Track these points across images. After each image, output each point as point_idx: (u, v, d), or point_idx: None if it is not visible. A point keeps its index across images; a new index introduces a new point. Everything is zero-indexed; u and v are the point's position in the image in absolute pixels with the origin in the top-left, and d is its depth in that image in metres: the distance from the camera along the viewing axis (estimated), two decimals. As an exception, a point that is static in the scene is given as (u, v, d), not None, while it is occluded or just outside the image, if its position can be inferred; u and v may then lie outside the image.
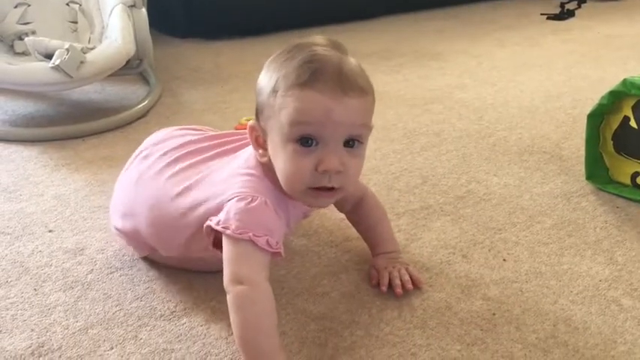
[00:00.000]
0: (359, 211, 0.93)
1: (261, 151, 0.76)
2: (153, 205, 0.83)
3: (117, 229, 0.92)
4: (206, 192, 0.78)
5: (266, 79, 0.74)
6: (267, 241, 0.71)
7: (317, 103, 0.69)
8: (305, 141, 0.70)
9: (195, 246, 0.81)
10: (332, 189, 0.73)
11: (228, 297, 0.71)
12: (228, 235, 0.72)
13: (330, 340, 0.77)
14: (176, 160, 0.85)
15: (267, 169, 0.76)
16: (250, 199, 0.73)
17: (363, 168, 0.77)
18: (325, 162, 0.70)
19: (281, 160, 0.72)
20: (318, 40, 0.74)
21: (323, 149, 0.70)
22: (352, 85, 0.70)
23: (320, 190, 0.72)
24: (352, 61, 0.73)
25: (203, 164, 0.83)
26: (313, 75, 0.69)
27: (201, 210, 0.78)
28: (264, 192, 0.75)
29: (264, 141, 0.75)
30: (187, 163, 0.84)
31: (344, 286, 0.88)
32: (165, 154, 0.87)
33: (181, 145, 0.87)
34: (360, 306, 0.84)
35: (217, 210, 0.75)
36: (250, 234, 0.71)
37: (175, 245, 0.83)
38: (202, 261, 0.85)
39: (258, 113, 0.76)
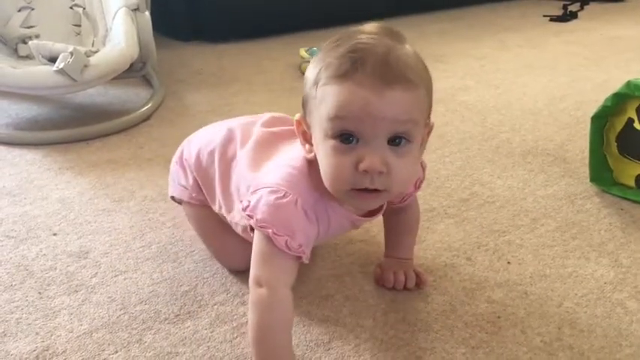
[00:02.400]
0: (397, 216, 0.89)
1: (307, 146, 0.72)
2: (233, 164, 0.84)
3: (183, 158, 0.91)
4: (262, 171, 0.77)
5: (310, 70, 0.70)
6: (286, 243, 0.69)
7: (355, 95, 0.64)
8: (345, 137, 0.65)
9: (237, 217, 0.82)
10: (376, 191, 0.67)
11: (250, 296, 0.71)
12: (253, 224, 0.71)
13: (335, 343, 0.77)
14: (266, 134, 0.84)
15: (312, 166, 0.72)
16: (283, 194, 0.71)
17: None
18: (365, 161, 0.65)
19: (322, 157, 0.68)
20: (368, 27, 0.69)
21: (364, 147, 0.65)
22: (397, 77, 0.64)
23: (363, 192, 0.67)
24: (406, 50, 0.67)
25: (276, 147, 0.82)
26: (354, 65, 0.64)
27: (247, 184, 0.78)
28: (301, 190, 0.72)
29: (311, 136, 0.71)
30: (270, 143, 0.83)
31: (348, 289, 0.88)
32: (262, 128, 0.86)
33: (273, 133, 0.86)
34: (364, 309, 0.84)
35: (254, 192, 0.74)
36: (271, 230, 0.69)
37: (228, 205, 0.84)
38: (233, 238, 0.86)
39: (303, 106, 0.72)
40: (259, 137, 0.84)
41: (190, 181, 0.91)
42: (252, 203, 0.72)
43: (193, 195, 0.92)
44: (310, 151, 0.72)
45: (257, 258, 0.72)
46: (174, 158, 0.95)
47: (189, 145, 0.93)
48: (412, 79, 0.65)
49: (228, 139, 0.86)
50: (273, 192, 0.71)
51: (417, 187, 0.83)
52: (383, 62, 0.64)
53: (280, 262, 0.71)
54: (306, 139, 0.73)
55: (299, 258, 0.71)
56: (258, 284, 0.70)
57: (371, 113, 0.64)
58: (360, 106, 0.64)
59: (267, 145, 0.82)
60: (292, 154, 0.76)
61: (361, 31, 0.68)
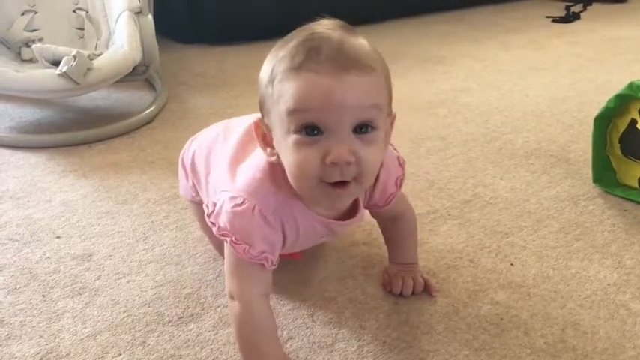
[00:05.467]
0: (393, 225, 0.88)
1: (269, 149, 0.69)
2: (213, 165, 0.82)
3: (183, 160, 0.91)
4: (237, 173, 0.75)
5: (264, 67, 0.66)
6: (245, 250, 0.68)
7: (314, 85, 0.60)
8: (309, 130, 0.61)
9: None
10: (346, 183, 0.64)
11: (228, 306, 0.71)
12: (215, 232, 0.70)
13: (338, 345, 0.77)
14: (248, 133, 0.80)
15: (275, 168, 0.69)
16: (241, 201, 0.69)
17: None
18: (333, 153, 0.61)
19: (285, 155, 0.65)
20: (322, 22, 0.67)
21: (329, 138, 0.61)
22: (354, 62, 0.61)
23: (332, 185, 0.64)
24: (359, 39, 0.65)
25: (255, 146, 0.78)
26: (308, 54, 0.61)
27: (219, 186, 0.76)
28: (261, 196, 0.69)
29: (272, 138, 0.67)
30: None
31: (351, 291, 0.88)
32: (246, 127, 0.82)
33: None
34: (367, 311, 0.84)
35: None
36: (229, 238, 0.68)
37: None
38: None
39: (260, 108, 0.68)
40: (242, 139, 0.80)
41: (190, 182, 0.91)
42: (215, 210, 0.71)
43: (193, 195, 0.92)
44: (272, 154, 0.68)
45: (227, 269, 0.72)
46: (179, 158, 0.94)
47: (189, 146, 0.92)
48: (369, 63, 0.63)
49: (216, 141, 0.85)
50: (231, 199, 0.69)
51: (399, 186, 0.80)
52: (338, 49, 0.61)
53: (248, 271, 0.70)
54: (266, 142, 0.69)
55: (262, 265, 0.70)
56: (231, 297, 0.70)
57: (333, 101, 0.60)
58: (321, 94, 0.60)
59: (247, 148, 0.79)
60: (261, 156, 0.73)
61: (314, 24, 0.66)
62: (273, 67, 0.64)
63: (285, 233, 0.72)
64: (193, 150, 0.89)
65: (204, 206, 0.74)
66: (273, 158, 0.68)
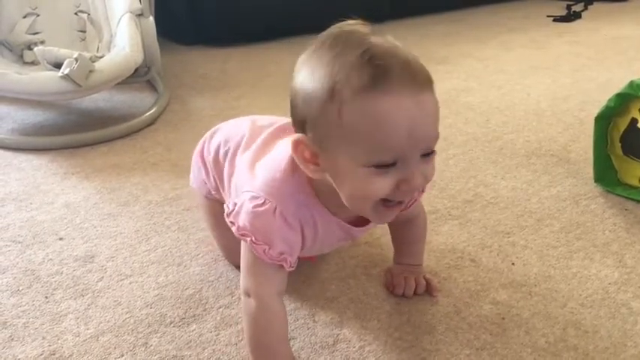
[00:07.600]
0: (405, 228, 0.87)
1: (312, 166, 0.64)
2: (237, 164, 0.81)
3: (204, 154, 0.89)
4: (254, 172, 0.74)
5: (312, 81, 0.60)
6: (265, 251, 0.68)
7: (398, 112, 0.57)
8: (384, 165, 0.60)
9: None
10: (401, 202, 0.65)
11: (242, 304, 0.71)
12: (234, 232, 0.70)
13: (339, 346, 0.78)
14: (273, 134, 0.80)
15: (298, 169, 0.67)
16: (262, 202, 0.68)
17: None
18: (411, 182, 0.61)
19: (350, 183, 0.62)
20: (360, 28, 0.63)
21: (403, 169, 0.61)
22: (424, 78, 0.60)
23: (391, 205, 0.64)
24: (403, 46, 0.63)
25: (273, 145, 0.77)
26: (383, 73, 0.57)
27: (242, 184, 0.75)
28: (282, 197, 0.68)
29: (316, 155, 0.63)
30: (273, 140, 0.79)
31: (352, 292, 0.88)
32: (272, 129, 0.81)
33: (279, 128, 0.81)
34: (368, 311, 0.84)
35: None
36: (249, 238, 0.68)
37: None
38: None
39: (305, 125, 0.63)
40: (265, 138, 0.80)
41: (211, 178, 0.89)
42: (235, 209, 0.70)
43: (212, 192, 0.90)
44: (316, 170, 0.65)
45: (244, 267, 0.71)
46: (197, 150, 0.92)
47: (210, 140, 0.89)
48: (429, 75, 0.62)
49: (240, 143, 0.83)
50: (252, 199, 0.69)
51: (422, 190, 0.80)
52: (406, 64, 0.59)
53: (266, 271, 0.70)
54: (307, 159, 0.65)
55: (281, 267, 0.70)
56: (247, 294, 0.71)
57: (414, 138, 0.59)
58: (403, 135, 0.58)
59: (269, 145, 0.79)
60: (280, 153, 0.72)
61: (356, 31, 0.63)
62: (334, 84, 0.58)
63: (304, 235, 0.71)
64: (217, 143, 0.86)
65: (224, 206, 0.73)
66: (318, 175, 0.65)
